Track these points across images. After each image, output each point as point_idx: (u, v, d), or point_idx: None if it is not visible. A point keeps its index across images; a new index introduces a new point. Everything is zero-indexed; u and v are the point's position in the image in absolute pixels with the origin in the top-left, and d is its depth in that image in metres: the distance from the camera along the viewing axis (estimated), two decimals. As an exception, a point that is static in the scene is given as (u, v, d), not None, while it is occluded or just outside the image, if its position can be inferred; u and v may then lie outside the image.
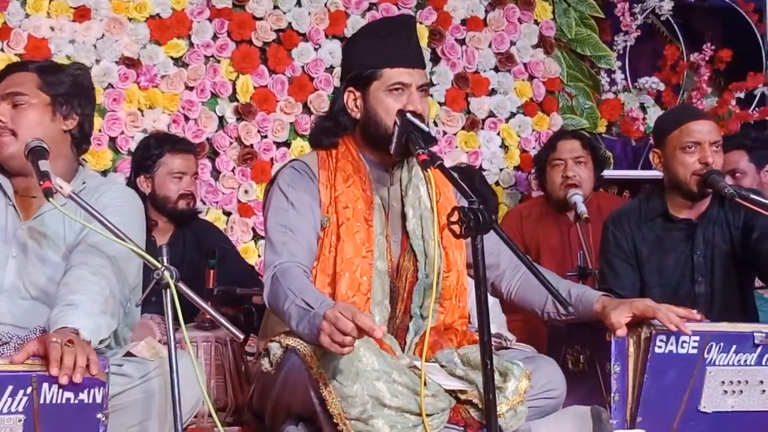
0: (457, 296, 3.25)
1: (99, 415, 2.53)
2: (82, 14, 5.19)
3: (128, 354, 2.89)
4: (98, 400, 2.52)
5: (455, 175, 2.94)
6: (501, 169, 5.88)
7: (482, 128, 5.87)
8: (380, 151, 3.20)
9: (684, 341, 3.15)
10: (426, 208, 3.24)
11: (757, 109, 6.34)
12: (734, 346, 3.20)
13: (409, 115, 3.08)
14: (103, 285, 2.80)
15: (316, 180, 3.20)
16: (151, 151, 4.55)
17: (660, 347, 3.15)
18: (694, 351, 3.17)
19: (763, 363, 3.24)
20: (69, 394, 2.49)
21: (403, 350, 3.14)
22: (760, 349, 3.23)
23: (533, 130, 5.94)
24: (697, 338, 3.17)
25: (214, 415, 2.67)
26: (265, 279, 3.05)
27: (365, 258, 3.13)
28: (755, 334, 3.23)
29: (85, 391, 2.51)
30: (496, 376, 2.86)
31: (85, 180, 3.09)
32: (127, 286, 2.94)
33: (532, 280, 3.00)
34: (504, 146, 5.90)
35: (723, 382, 3.21)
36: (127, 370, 2.79)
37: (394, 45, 3.19)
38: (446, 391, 2.96)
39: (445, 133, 5.79)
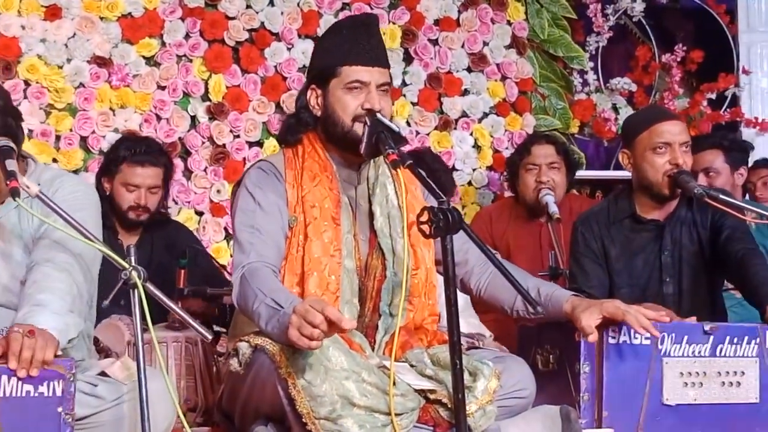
0: (426, 294, 3.25)
1: (60, 409, 2.53)
2: (53, 13, 5.17)
3: (102, 373, 2.84)
4: (58, 393, 2.53)
5: (424, 174, 2.95)
6: (474, 169, 5.90)
7: (455, 128, 5.88)
8: (345, 149, 3.19)
9: (636, 332, 3.19)
10: (393, 207, 3.24)
11: (728, 110, 6.38)
12: (686, 337, 3.26)
13: (379, 115, 3.08)
14: (70, 283, 2.79)
15: (283, 180, 3.19)
16: (115, 155, 4.53)
17: (613, 338, 3.19)
18: (647, 342, 3.22)
19: (717, 354, 3.30)
20: (29, 387, 2.52)
21: (372, 349, 3.14)
22: (712, 339, 3.29)
23: (506, 131, 5.96)
24: None
25: (182, 418, 2.66)
26: (234, 279, 3.04)
27: (333, 257, 3.12)
28: (704, 324, 3.31)
29: (45, 384, 2.52)
30: (466, 375, 2.86)
31: (40, 179, 3.01)
32: (93, 284, 2.92)
33: (501, 277, 3.00)
34: (477, 146, 5.92)
35: (681, 374, 3.26)
36: (101, 392, 2.76)
37: (353, 43, 3.18)
38: (415, 390, 2.96)
39: (418, 133, 5.80)
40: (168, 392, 2.66)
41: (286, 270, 3.12)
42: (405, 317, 3.17)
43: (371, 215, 3.23)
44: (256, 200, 3.14)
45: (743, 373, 3.32)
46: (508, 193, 5.72)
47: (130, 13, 5.30)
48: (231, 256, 5.01)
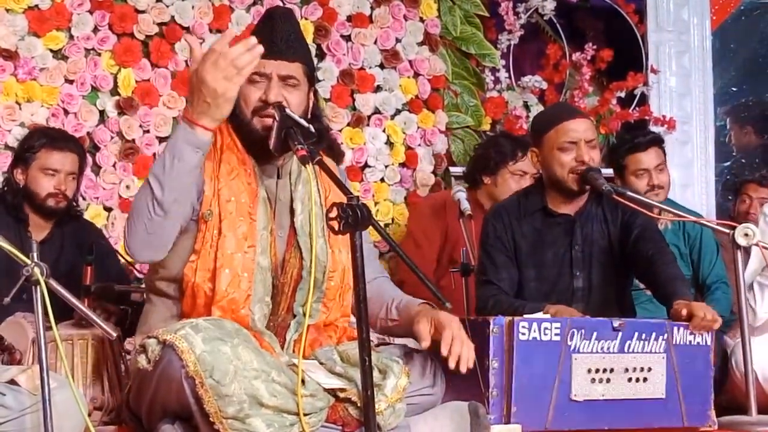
0: (341, 295, 3.22)
1: None
2: (-44, 4, 5.06)
3: (12, 381, 2.77)
4: None
5: (334, 171, 2.94)
6: (386, 166, 5.89)
7: (367, 125, 5.87)
8: (248, 143, 3.16)
9: (546, 328, 3.25)
10: (316, 204, 3.19)
11: (637, 108, 6.46)
12: (595, 333, 3.32)
13: (288, 110, 3.05)
14: None
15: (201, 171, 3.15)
16: (30, 143, 4.45)
17: (524, 334, 3.22)
18: (557, 338, 3.26)
19: (626, 350, 3.35)
20: None
21: (282, 347, 3.11)
22: (620, 335, 3.34)
23: (418, 127, 5.96)
24: (559, 325, 3.27)
25: (87, 420, 2.62)
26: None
27: (246, 253, 3.07)
28: (613, 320, 3.36)
29: None
30: (375, 373, 2.85)
31: None
32: None
33: (377, 289, 2.93)
34: (389, 143, 5.92)
35: (590, 370, 3.31)
36: (9, 402, 2.69)
37: (259, 36, 3.12)
38: (325, 390, 2.93)
39: (330, 129, 5.75)
40: (77, 403, 2.59)
41: (198, 265, 3.06)
42: (317, 318, 3.16)
43: (292, 211, 3.20)
44: None
45: (650, 369, 3.38)
46: (421, 191, 5.78)
47: (36, 5, 5.19)
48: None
